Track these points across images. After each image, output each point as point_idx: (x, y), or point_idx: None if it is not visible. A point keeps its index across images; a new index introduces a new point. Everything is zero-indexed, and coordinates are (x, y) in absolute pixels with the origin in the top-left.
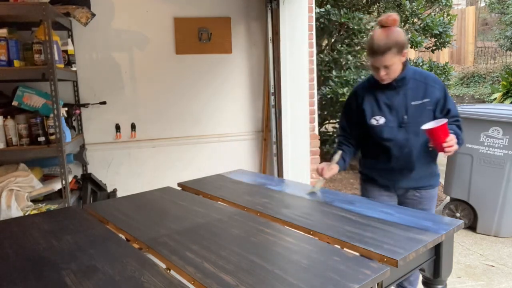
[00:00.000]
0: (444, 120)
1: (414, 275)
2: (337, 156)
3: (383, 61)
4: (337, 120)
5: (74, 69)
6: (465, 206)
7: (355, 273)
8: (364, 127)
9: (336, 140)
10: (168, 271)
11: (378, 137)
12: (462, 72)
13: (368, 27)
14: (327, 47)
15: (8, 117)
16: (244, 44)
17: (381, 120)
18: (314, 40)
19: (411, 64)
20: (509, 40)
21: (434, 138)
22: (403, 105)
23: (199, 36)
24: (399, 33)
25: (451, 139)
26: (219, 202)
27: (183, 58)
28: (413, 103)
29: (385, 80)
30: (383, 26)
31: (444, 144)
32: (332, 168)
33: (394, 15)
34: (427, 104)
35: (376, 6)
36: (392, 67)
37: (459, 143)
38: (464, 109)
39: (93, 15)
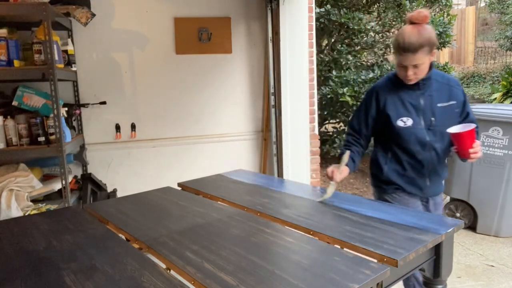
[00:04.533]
0: (473, 125)
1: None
2: (346, 157)
3: (413, 59)
4: (337, 120)
5: (74, 69)
6: (465, 206)
7: (355, 273)
8: (386, 130)
9: (345, 139)
10: (168, 271)
11: (405, 140)
12: (462, 72)
13: (368, 27)
14: (327, 47)
15: (8, 117)
16: (244, 44)
17: (409, 122)
18: (314, 40)
19: None
20: (509, 40)
21: (461, 143)
22: (430, 107)
23: (199, 36)
24: (431, 31)
25: (478, 145)
26: (219, 202)
27: (183, 58)
28: (439, 105)
29: (411, 80)
30: (413, 22)
31: (471, 150)
32: (343, 171)
33: (425, 12)
34: (454, 107)
35: (376, 6)
36: (421, 66)
37: None
38: None
39: (93, 15)
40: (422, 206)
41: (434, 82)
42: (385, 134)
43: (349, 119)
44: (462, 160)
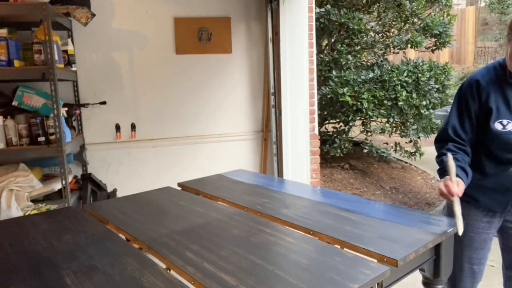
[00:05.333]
0: None
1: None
2: (451, 161)
3: None
4: (337, 120)
5: (74, 69)
6: None
7: (355, 273)
8: (479, 131)
9: (443, 147)
10: (168, 271)
11: (499, 146)
12: (462, 72)
13: (368, 27)
14: (327, 47)
15: (8, 117)
16: (244, 44)
17: (510, 126)
18: (314, 40)
19: (411, 64)
20: None
21: None
22: None
23: (199, 36)
24: None
25: None
26: (219, 202)
27: (183, 58)
28: None
29: None
30: None
31: None
32: (458, 182)
33: None
34: None
35: (376, 6)
36: None
37: None
38: None
39: (93, 15)
40: (508, 224)
41: None
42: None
43: (447, 121)
44: None
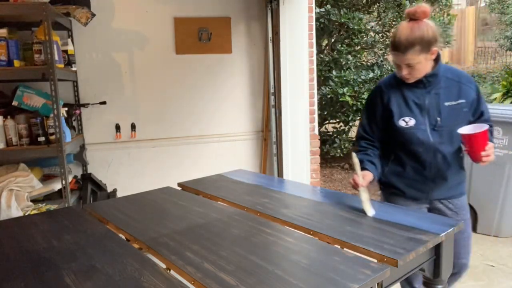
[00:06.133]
0: (486, 126)
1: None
2: (355, 159)
3: (403, 59)
4: (337, 120)
5: (74, 69)
6: None
7: (355, 273)
8: (388, 130)
9: (357, 144)
10: (168, 271)
11: (407, 141)
12: None
13: (368, 27)
14: (327, 47)
15: (8, 117)
16: (244, 44)
17: (411, 122)
18: (314, 40)
19: None
20: (509, 40)
21: (472, 145)
22: (435, 106)
23: (199, 36)
24: (427, 28)
25: (490, 148)
26: (219, 202)
27: (183, 58)
28: (446, 103)
29: (408, 80)
30: (411, 19)
31: (483, 153)
32: (364, 175)
33: (424, 7)
34: (463, 106)
35: (376, 6)
36: (417, 66)
37: None
38: None
39: (93, 15)
40: (433, 211)
41: (443, 79)
42: (387, 135)
43: (360, 122)
44: (475, 162)
